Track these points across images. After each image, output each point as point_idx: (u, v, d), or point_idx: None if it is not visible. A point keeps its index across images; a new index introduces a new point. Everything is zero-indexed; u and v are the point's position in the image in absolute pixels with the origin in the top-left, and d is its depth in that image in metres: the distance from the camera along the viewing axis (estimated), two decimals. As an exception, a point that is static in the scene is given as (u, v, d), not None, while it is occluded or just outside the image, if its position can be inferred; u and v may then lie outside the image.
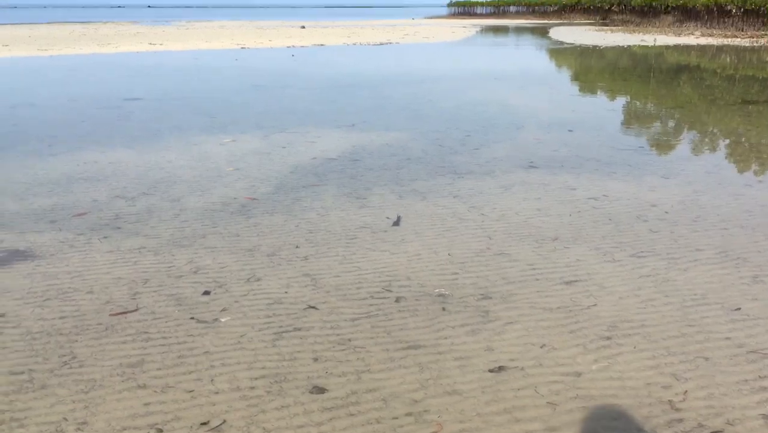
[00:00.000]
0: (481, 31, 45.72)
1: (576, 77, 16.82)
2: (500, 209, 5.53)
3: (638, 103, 12.30)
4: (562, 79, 16.50)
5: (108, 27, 47.38)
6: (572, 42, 29.63)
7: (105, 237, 4.90)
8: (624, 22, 54.86)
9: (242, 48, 26.04)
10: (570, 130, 9.02)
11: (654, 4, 48.10)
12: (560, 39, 32.15)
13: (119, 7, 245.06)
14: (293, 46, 26.98)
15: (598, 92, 13.67)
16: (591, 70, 19.21)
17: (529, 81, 15.18)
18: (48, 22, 59.66)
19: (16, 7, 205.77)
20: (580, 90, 14.28)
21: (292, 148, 7.93)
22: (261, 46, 26.95)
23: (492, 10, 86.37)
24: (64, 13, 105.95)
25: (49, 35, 34.46)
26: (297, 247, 4.70)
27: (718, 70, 18.28)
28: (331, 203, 5.73)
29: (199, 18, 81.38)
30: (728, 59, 21.79)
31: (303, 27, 47.64)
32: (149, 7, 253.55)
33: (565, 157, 7.41)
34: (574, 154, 7.57)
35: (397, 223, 5.22)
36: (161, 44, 27.36)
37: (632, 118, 10.50)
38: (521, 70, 18.20)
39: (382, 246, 4.71)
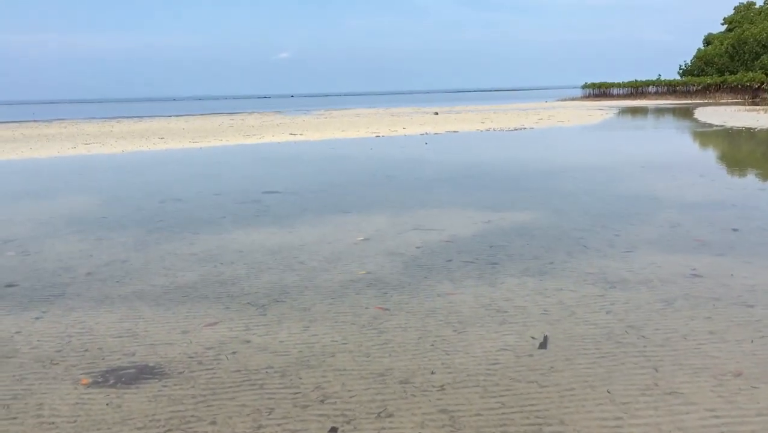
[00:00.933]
0: (620, 113, 44.43)
1: (733, 164, 15.54)
2: (664, 331, 4.82)
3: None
4: (717, 166, 15.30)
5: (253, 118, 50.66)
6: (722, 124, 27.90)
7: (234, 353, 4.70)
8: (777, 100, 51.45)
9: (377, 136, 26.66)
10: (735, 229, 8.08)
11: (812, 80, 44.79)
12: (708, 121, 30.43)
13: (265, 97, 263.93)
14: (426, 133, 27.29)
15: (765, 182, 12.44)
16: (749, 156, 17.75)
17: (680, 169, 14.15)
18: (201, 114, 64.90)
19: (174, 100, 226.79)
20: (741, 180, 13.11)
21: (426, 248, 7.60)
22: (395, 134, 27.47)
23: (629, 91, 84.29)
24: (215, 105, 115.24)
25: (201, 127, 37.18)
26: (432, 373, 4.25)
27: None
28: (468, 317, 5.26)
29: (336, 106, 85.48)
30: None
31: (436, 113, 48.51)
32: (292, 96, 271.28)
33: (733, 264, 6.54)
34: (743, 260, 6.68)
35: (544, 345, 4.65)
36: (301, 134, 28.62)
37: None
38: (668, 157, 17.12)
39: (528, 375, 4.16)
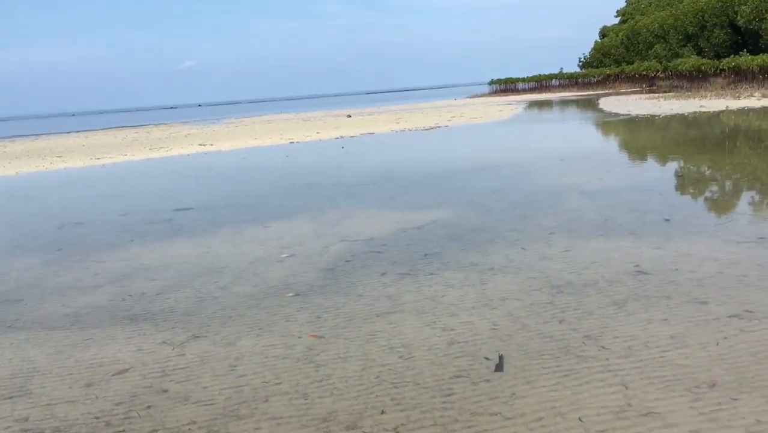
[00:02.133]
0: (528, 107, 45.32)
1: (649, 152, 15.81)
2: (623, 339, 4.49)
3: (741, 180, 11.17)
4: (635, 155, 15.51)
5: (160, 129, 48.68)
6: (627, 113, 28.73)
7: (148, 407, 4.03)
8: (672, 88, 53.90)
9: (291, 143, 25.93)
10: (667, 219, 7.97)
11: (703, 67, 47.14)
12: (613, 110, 31.30)
13: (172, 108, 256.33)
14: (342, 137, 26.78)
15: (689, 171, 12.60)
16: (662, 143, 18.17)
17: (598, 160, 14.23)
18: (103, 128, 61.94)
19: (74, 115, 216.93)
20: (659, 167, 13.28)
21: (357, 262, 7.08)
22: (310, 139, 26.82)
23: (534, 85, 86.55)
24: (118, 118, 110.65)
25: (103, 143, 35.29)
26: (383, 413, 3.74)
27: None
28: (413, 339, 4.78)
29: (246, 113, 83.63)
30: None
31: (349, 116, 48.07)
32: (200, 105, 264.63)
33: (674, 257, 6.35)
34: (683, 252, 6.50)
35: (500, 367, 4.22)
36: (211, 144, 27.52)
37: (743, 201, 9.39)
38: (585, 148, 17.29)
39: (489, 406, 3.71)
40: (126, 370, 4.64)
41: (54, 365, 4.84)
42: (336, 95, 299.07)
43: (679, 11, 62.13)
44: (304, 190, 12.86)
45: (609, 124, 24.84)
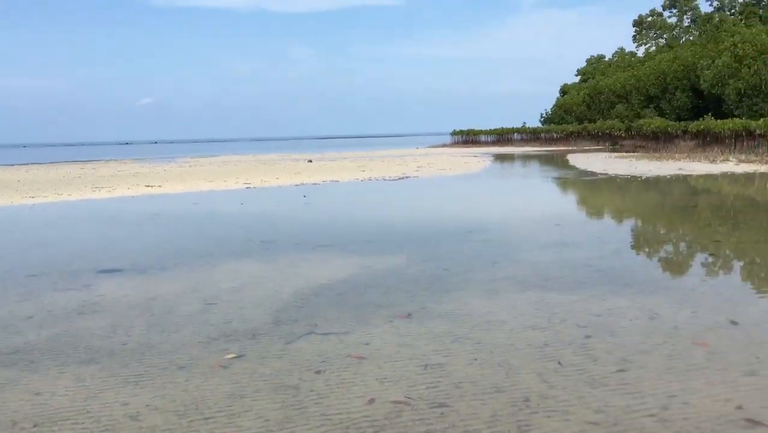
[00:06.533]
0: (495, 160, 44.14)
1: (651, 221, 14.22)
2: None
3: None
4: (637, 223, 13.90)
5: (108, 167, 45.87)
6: (604, 172, 27.46)
7: None
8: (636, 148, 53.63)
9: (248, 187, 23.82)
10: (734, 322, 6.14)
11: (670, 129, 46.93)
12: (588, 169, 30.09)
13: (126, 143, 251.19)
14: (303, 184, 24.80)
15: (710, 248, 10.97)
16: (666, 210, 16.65)
17: (599, 228, 12.55)
18: (50, 162, 58.72)
19: (25, 147, 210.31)
20: (674, 243, 11.64)
21: (331, 377, 5.02)
22: (268, 185, 24.76)
23: (496, 138, 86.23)
24: (70, 152, 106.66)
25: (43, 179, 32.51)
26: None
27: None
28: None
29: (203, 153, 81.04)
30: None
31: (310, 161, 46.17)
32: (155, 143, 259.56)
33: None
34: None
35: None
36: (160, 186, 25.20)
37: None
38: (577, 212, 15.68)
39: None
40: None
41: None
42: (296, 138, 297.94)
43: (641, 73, 62.68)
44: (259, 251, 10.75)
45: (591, 184, 23.43)
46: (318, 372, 5.11)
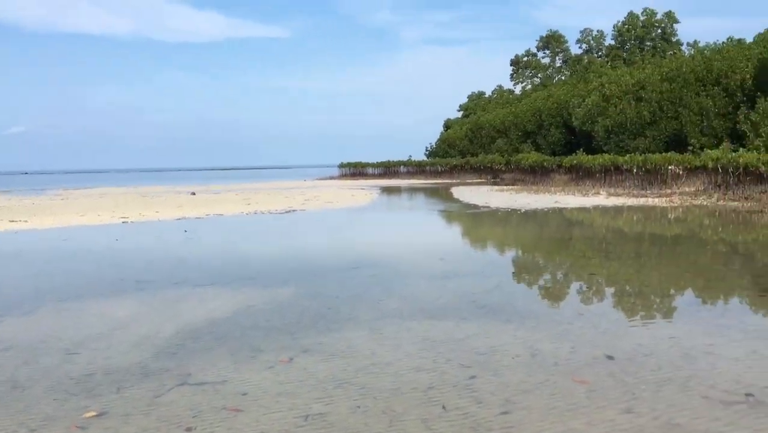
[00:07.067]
0: (383, 192, 44.58)
1: (530, 253, 14.64)
2: None
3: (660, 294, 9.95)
4: (517, 256, 14.26)
5: (-31, 199, 42.37)
6: (486, 205, 28.29)
7: None
8: (515, 181, 55.95)
9: (124, 222, 22.61)
10: (610, 357, 6.28)
11: (545, 163, 49.30)
12: (471, 201, 30.91)
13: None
14: (185, 218, 23.85)
15: (587, 281, 11.33)
16: (545, 243, 17.23)
17: (482, 261, 12.75)
18: None
19: None
20: (552, 276, 11.97)
21: (201, 432, 4.64)
22: (147, 219, 23.62)
23: (383, 171, 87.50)
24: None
25: None
26: None
27: (708, 239, 16.80)
28: None
29: (78, 185, 76.73)
30: (687, 224, 20.66)
31: (193, 193, 44.74)
32: (26, 174, 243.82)
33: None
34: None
35: None
36: (26, 221, 23.43)
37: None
38: (461, 246, 15.93)
39: None
40: None
41: None
42: (178, 169, 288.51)
43: (518, 110, 65.89)
44: (133, 292, 10.07)
45: (473, 217, 24.03)
46: (188, 430, 4.71)
